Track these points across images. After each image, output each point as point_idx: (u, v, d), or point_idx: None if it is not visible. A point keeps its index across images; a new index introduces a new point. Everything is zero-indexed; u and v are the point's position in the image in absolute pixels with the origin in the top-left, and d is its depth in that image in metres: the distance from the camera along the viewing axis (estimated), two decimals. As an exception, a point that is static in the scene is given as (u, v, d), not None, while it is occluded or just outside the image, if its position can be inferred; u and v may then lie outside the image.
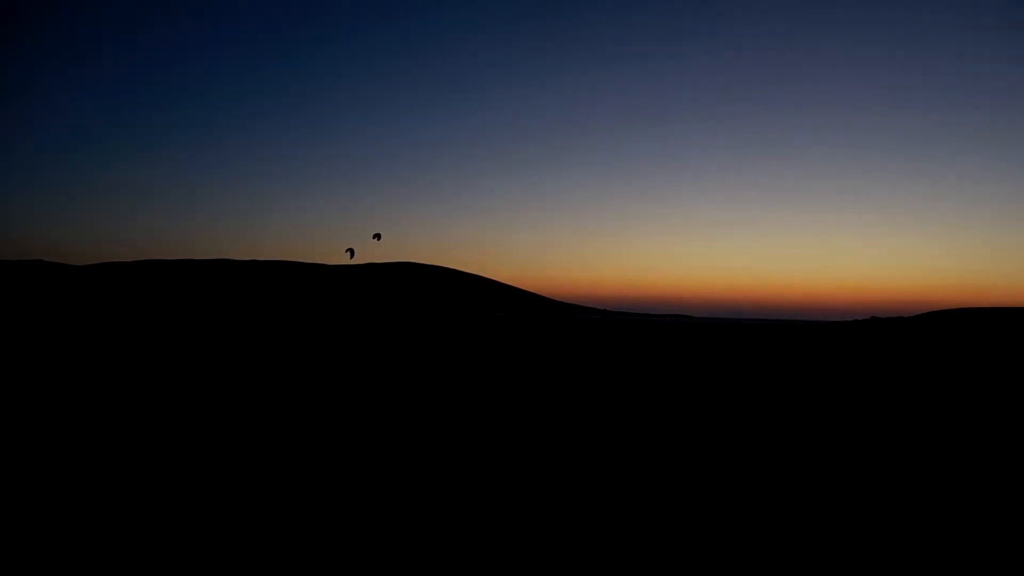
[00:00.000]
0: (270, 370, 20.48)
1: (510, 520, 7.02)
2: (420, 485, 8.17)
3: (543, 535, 6.63)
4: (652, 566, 5.99)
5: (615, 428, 12.40)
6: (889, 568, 6.06)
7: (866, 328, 79.90)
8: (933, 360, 35.64)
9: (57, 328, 41.79)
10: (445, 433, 11.38)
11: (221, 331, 44.10)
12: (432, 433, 11.35)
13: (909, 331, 73.17)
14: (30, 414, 11.99)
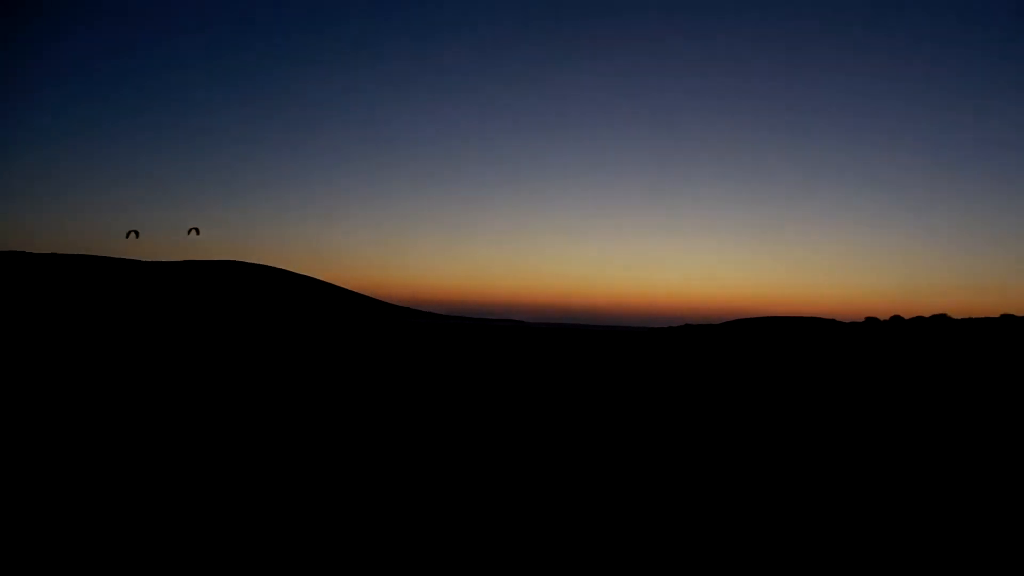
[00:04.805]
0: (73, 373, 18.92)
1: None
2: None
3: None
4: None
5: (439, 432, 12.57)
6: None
7: (681, 334, 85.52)
8: (743, 362, 38.90)
9: None
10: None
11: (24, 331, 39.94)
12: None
13: (720, 336, 79.34)
14: None
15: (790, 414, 16.97)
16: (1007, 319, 67.27)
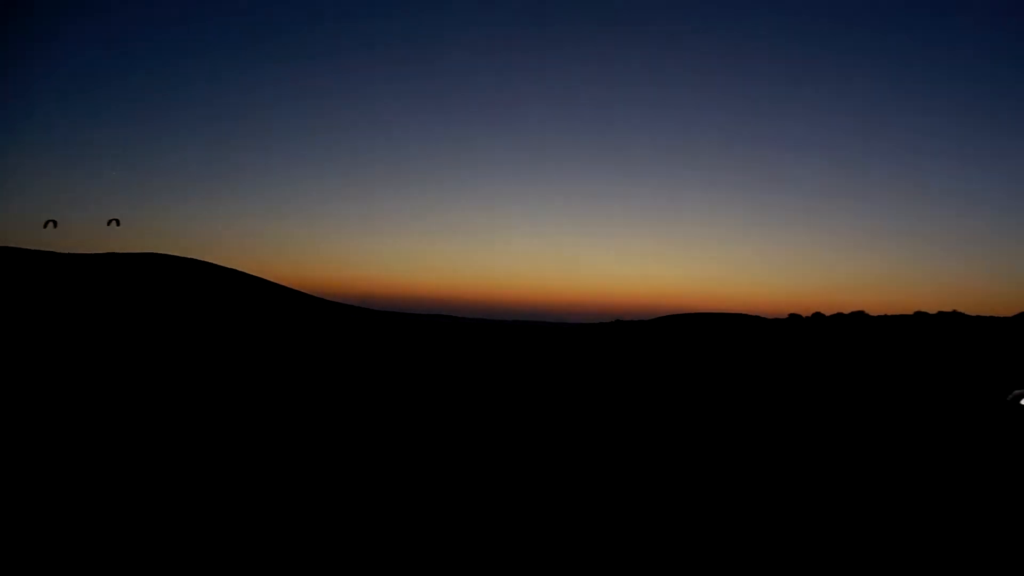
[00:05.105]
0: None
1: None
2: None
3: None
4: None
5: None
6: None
7: (613, 329, 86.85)
8: (670, 356, 39.78)
9: None
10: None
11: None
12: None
13: (649, 332, 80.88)
14: None
15: (719, 401, 17.51)
16: (919, 316, 70.78)
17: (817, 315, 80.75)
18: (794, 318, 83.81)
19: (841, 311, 79.49)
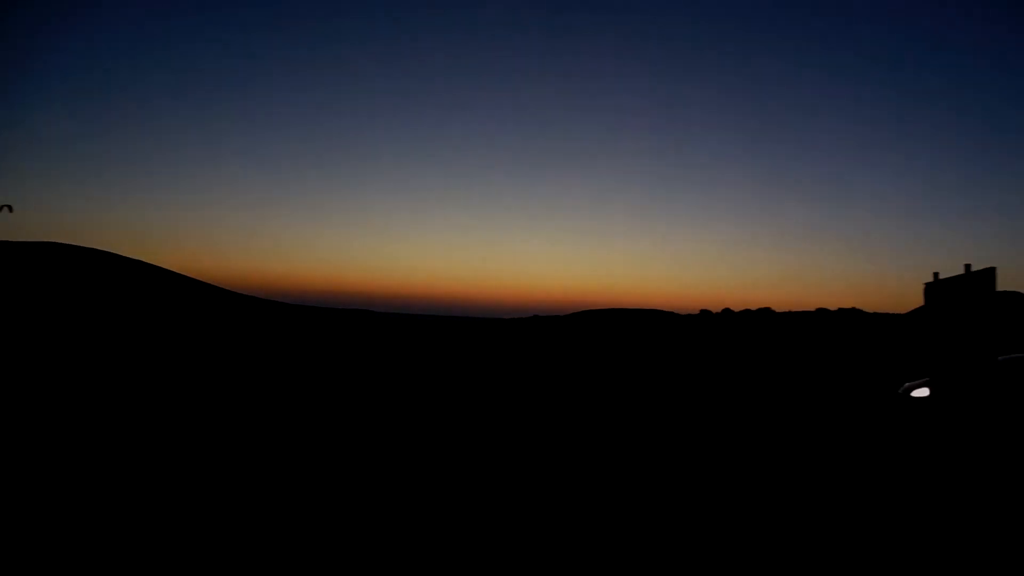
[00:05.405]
0: None
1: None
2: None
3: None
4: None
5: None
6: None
7: (530, 324, 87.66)
8: (584, 348, 40.42)
9: None
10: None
11: None
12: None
13: (565, 326, 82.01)
14: None
15: (633, 393, 17.85)
16: (821, 312, 74.20)
17: (726, 311, 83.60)
18: (705, 313, 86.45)
19: (749, 307, 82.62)
